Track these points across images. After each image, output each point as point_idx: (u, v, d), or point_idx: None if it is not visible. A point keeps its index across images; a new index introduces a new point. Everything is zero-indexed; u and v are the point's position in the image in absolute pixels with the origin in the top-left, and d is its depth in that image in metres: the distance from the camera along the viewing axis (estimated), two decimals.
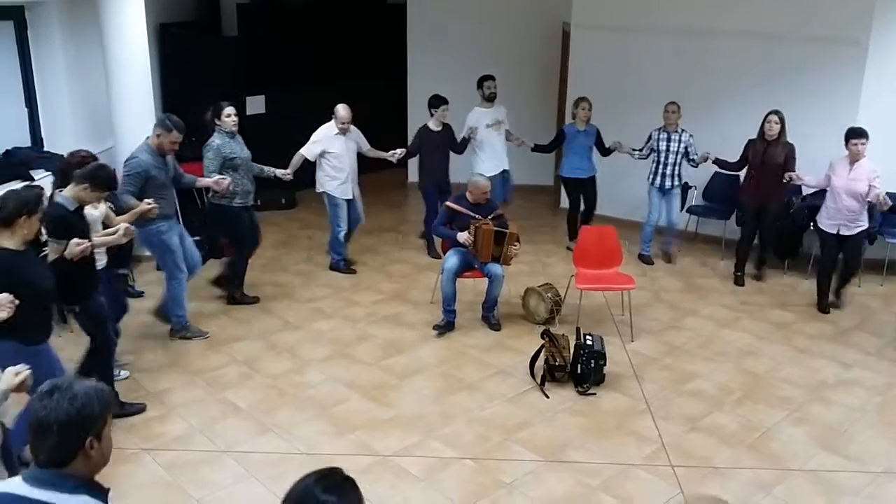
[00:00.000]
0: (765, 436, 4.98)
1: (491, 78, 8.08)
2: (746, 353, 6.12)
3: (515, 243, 6.22)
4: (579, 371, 5.48)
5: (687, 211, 8.25)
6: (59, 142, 7.44)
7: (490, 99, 8.04)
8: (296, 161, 7.25)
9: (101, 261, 5.18)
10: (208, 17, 10.08)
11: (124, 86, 6.96)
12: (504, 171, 8.21)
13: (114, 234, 5.00)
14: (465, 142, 8.02)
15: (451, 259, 6.30)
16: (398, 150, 7.73)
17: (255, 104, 9.30)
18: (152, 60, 7.52)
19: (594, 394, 5.44)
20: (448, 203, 6.45)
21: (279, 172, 6.97)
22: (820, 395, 5.50)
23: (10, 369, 3.21)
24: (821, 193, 7.58)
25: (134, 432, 4.87)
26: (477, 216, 6.24)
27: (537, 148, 8.20)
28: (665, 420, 5.14)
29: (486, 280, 6.36)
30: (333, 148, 7.29)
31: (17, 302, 3.75)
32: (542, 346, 5.65)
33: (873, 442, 4.93)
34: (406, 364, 5.87)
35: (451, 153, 8.01)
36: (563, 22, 9.55)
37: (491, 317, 6.48)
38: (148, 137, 5.81)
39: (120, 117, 6.82)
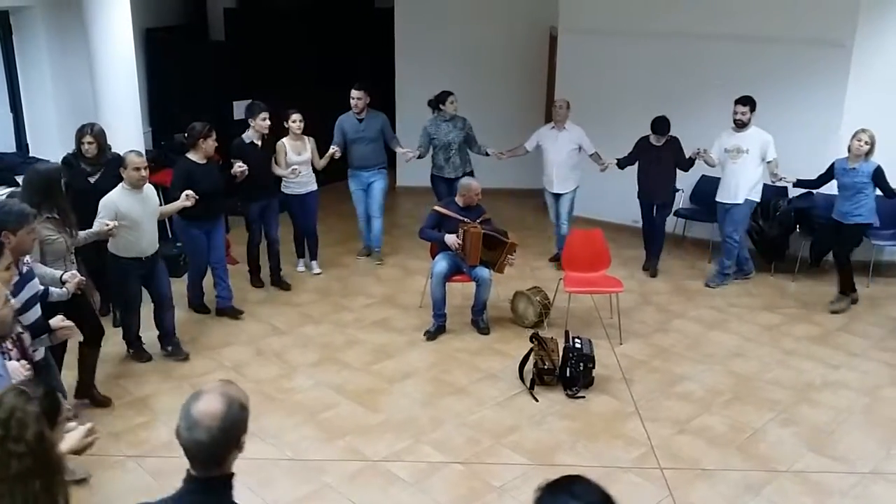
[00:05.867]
0: (753, 437, 5.00)
1: (742, 102, 7.07)
2: (734, 354, 6.14)
3: (514, 253, 6.26)
4: (568, 374, 5.48)
5: (674, 214, 8.27)
6: (44, 147, 7.40)
7: (738, 125, 7.12)
8: (518, 149, 7.97)
9: (306, 188, 7.29)
10: (195, 21, 10.04)
11: (110, 91, 6.91)
12: (730, 205, 7.25)
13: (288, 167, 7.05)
14: (692, 160, 7.35)
15: (440, 263, 6.30)
16: (610, 160, 7.58)
17: (243, 109, 9.25)
18: (139, 65, 7.47)
19: (583, 397, 5.45)
20: (436, 207, 6.46)
21: (491, 150, 7.93)
22: (807, 396, 5.52)
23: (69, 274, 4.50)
24: (807, 196, 7.64)
25: (120, 439, 4.84)
26: (466, 219, 6.25)
27: (800, 183, 7.18)
28: (654, 422, 5.16)
29: (474, 284, 6.37)
30: (544, 142, 7.80)
31: (197, 196, 5.71)
32: (531, 350, 5.65)
33: (860, 443, 4.96)
34: (395, 368, 5.86)
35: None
36: (550, 26, 9.57)
37: (480, 321, 6.47)
38: None
39: (106, 122, 6.74)
